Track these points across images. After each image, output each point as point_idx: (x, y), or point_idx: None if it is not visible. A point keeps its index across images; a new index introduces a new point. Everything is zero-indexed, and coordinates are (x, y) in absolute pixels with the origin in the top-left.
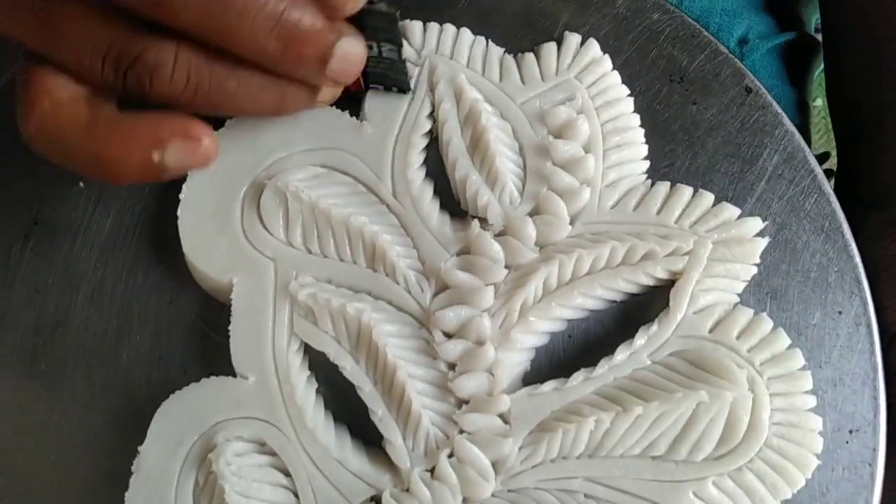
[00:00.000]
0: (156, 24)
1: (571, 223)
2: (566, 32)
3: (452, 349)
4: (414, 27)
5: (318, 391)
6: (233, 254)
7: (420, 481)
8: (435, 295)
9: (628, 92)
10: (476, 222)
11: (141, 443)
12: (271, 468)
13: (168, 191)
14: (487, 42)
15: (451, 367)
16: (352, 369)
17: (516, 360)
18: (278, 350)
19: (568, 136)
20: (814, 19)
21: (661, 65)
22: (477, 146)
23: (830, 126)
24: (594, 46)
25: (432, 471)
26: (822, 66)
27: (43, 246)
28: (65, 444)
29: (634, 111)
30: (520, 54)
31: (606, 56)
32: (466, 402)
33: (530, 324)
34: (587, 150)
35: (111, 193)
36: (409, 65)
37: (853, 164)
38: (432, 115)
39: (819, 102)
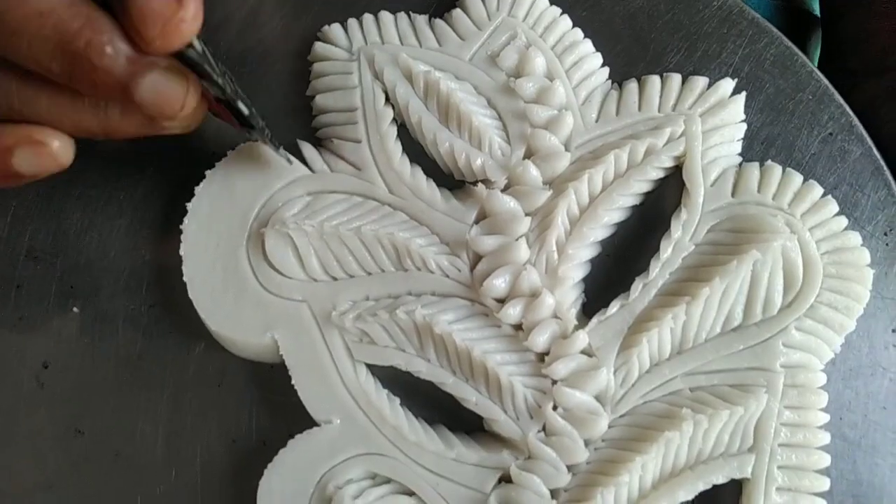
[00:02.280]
0: None
1: (567, 150)
2: None
3: (513, 312)
4: (335, 29)
5: (401, 405)
6: (261, 312)
7: (538, 442)
8: (472, 268)
9: (560, 11)
10: (481, 186)
11: None
12: (393, 495)
13: (175, 275)
14: (409, 15)
15: (518, 327)
16: (427, 369)
17: (573, 296)
18: (349, 383)
19: (527, 73)
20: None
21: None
22: (447, 114)
23: None
24: None
25: (545, 429)
26: (818, 51)
27: (56, 388)
28: None
29: (574, 26)
30: (446, 13)
31: None
32: (547, 354)
33: (571, 256)
34: (550, 78)
35: (112, 309)
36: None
37: (839, 32)
38: (389, 102)
39: None
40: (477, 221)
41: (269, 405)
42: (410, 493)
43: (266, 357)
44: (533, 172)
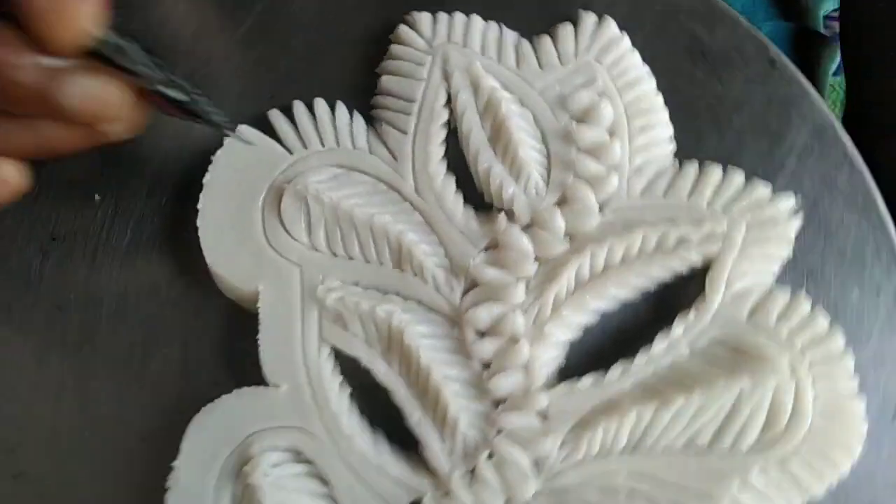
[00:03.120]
0: None
1: (601, 211)
2: (581, 11)
3: (486, 348)
4: (423, 18)
5: (351, 396)
6: (257, 261)
7: (461, 484)
8: (465, 293)
9: (649, 71)
10: (503, 216)
11: (174, 458)
12: (309, 477)
13: (185, 201)
14: (501, 27)
15: (486, 365)
16: (385, 373)
17: (551, 354)
18: (309, 357)
19: (591, 121)
20: (821, 10)
21: (681, 41)
22: (498, 136)
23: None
24: (611, 25)
25: (473, 472)
26: (834, 65)
27: (62, 262)
28: (97, 462)
29: (657, 91)
30: (535, 38)
31: (625, 35)
32: (503, 402)
33: (564, 317)
34: (612, 134)
35: (127, 205)
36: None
37: (863, 91)
38: (449, 105)
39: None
40: (487, 249)
41: (234, 350)
42: (326, 482)
43: (246, 304)
44: (558, 221)
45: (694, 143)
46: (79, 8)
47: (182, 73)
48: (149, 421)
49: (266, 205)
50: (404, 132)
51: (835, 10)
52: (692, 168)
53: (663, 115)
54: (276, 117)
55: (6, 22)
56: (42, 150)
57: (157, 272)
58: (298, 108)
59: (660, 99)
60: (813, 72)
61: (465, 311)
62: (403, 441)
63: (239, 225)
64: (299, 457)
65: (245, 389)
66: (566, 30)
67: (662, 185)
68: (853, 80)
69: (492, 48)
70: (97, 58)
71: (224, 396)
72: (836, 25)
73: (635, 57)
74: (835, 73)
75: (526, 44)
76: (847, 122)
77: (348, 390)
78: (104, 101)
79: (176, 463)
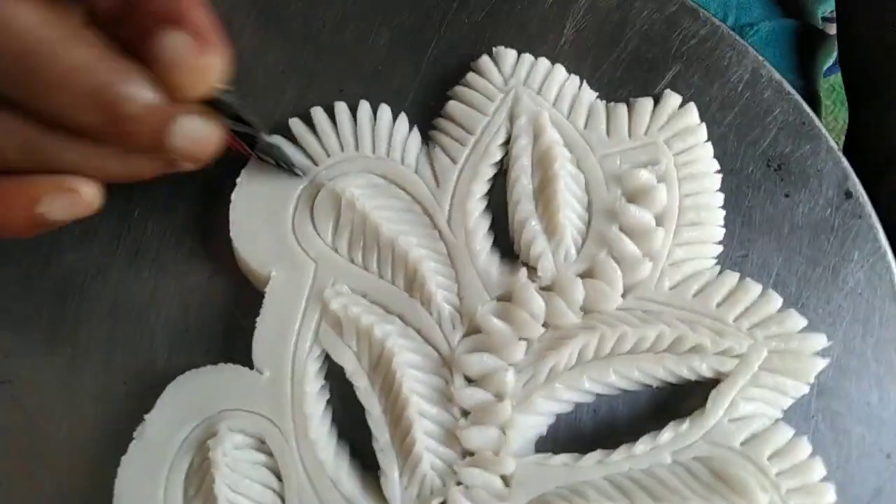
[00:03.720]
0: None
1: (624, 295)
2: (667, 91)
3: (469, 397)
4: (507, 55)
5: (328, 402)
6: (277, 247)
7: None
8: (465, 335)
9: (718, 168)
10: (524, 270)
11: (149, 411)
12: (265, 469)
13: (226, 180)
14: (581, 83)
15: (465, 414)
16: (365, 391)
17: (532, 422)
18: (299, 353)
19: (642, 203)
20: (819, 11)
21: (761, 146)
22: (543, 191)
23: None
24: (692, 112)
25: None
26: (831, 60)
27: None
28: (79, 397)
29: (720, 190)
30: (612, 104)
31: (703, 125)
32: (472, 454)
33: (555, 390)
34: (659, 221)
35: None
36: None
37: (862, 128)
38: (506, 146)
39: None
40: (500, 299)
41: (233, 323)
42: (280, 478)
43: (257, 284)
44: (578, 292)
45: (740, 253)
46: (210, 60)
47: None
48: (136, 369)
49: (302, 196)
50: (454, 161)
51: (832, 11)
52: (730, 278)
53: (718, 215)
54: (341, 110)
55: (132, 61)
56: (128, 177)
57: (184, 227)
58: (362, 108)
59: (719, 198)
60: (811, 68)
61: (460, 355)
62: (367, 461)
63: (271, 208)
64: (262, 446)
65: (230, 366)
66: (645, 104)
67: (695, 287)
68: (854, 111)
69: (565, 102)
70: (210, 103)
71: (209, 367)
72: (831, 26)
73: (707, 150)
74: (829, 71)
75: (601, 107)
76: (847, 154)
77: (327, 396)
78: (209, 143)
79: (147, 416)
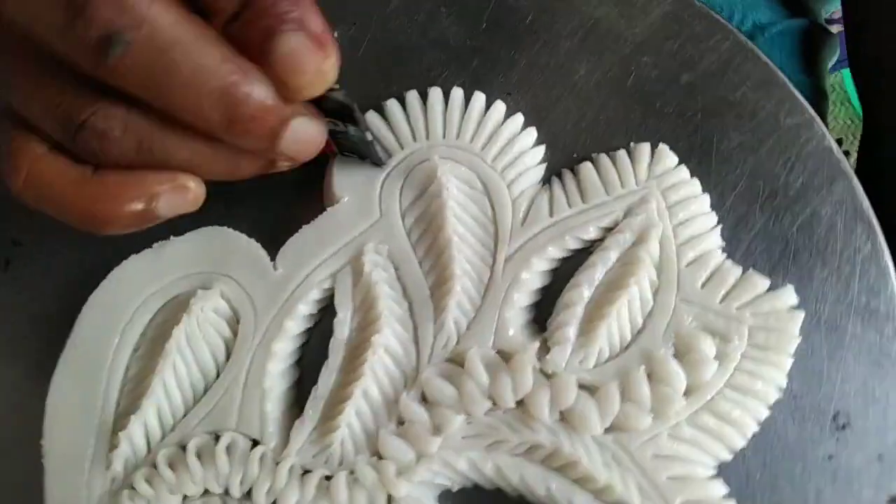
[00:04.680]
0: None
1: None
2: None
3: (412, 411)
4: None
5: (309, 338)
6: (363, 184)
7: (286, 468)
8: (448, 360)
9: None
10: (536, 346)
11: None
12: (223, 343)
13: None
14: (716, 227)
15: (401, 422)
16: (337, 344)
17: (446, 471)
18: (315, 274)
19: (686, 366)
20: (823, 11)
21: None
22: (606, 292)
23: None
24: (785, 298)
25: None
26: (835, 58)
27: None
28: None
29: None
30: (727, 267)
31: (799, 315)
32: (379, 457)
33: (478, 460)
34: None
35: None
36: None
37: (875, 144)
38: (605, 229)
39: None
40: (499, 352)
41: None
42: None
43: (326, 200)
44: (567, 399)
45: None
46: (327, 62)
47: None
48: None
49: (412, 155)
50: (550, 214)
51: (831, 14)
52: None
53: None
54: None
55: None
56: (230, 175)
57: None
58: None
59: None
60: (818, 67)
61: (430, 374)
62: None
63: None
64: (234, 326)
65: (253, 242)
66: (753, 284)
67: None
68: (868, 114)
69: (688, 230)
70: (319, 103)
71: (234, 232)
72: (831, 27)
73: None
74: (831, 69)
75: (716, 260)
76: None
77: (310, 324)
78: (315, 144)
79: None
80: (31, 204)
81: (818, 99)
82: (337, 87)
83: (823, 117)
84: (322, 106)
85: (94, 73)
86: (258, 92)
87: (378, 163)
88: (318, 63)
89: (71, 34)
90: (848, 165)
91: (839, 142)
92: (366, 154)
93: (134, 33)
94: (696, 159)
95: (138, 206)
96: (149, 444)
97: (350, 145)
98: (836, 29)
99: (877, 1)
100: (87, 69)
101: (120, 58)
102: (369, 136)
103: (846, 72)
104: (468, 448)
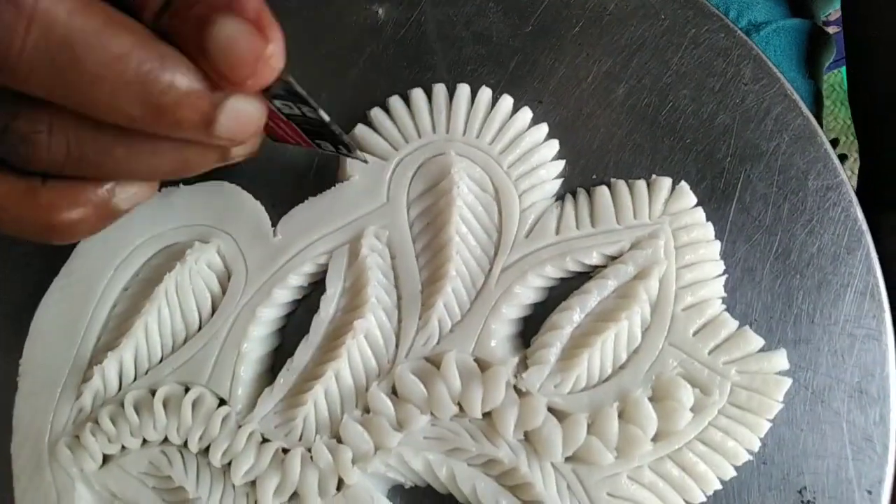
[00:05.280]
0: None
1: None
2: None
3: (379, 402)
4: (682, 190)
5: (297, 308)
6: (376, 169)
7: (247, 432)
8: (426, 358)
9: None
10: (513, 363)
11: None
12: (210, 297)
13: None
14: (722, 276)
15: (366, 410)
16: (320, 320)
17: (399, 467)
18: (312, 249)
19: (660, 410)
20: (822, 13)
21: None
22: (598, 321)
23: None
24: (777, 362)
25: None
26: (831, 59)
27: None
28: None
29: None
30: (724, 321)
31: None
32: (339, 440)
33: (435, 462)
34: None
35: None
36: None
37: (875, 159)
38: (609, 257)
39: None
40: (477, 360)
41: None
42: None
43: (340, 174)
44: (534, 422)
45: None
46: (267, 46)
47: None
48: None
49: (424, 147)
50: (556, 231)
51: (828, 15)
52: None
53: None
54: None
55: (173, 46)
56: (181, 171)
57: None
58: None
59: None
60: (815, 68)
61: (402, 368)
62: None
63: (396, 137)
64: (224, 282)
65: (258, 204)
66: (743, 344)
67: None
68: (866, 154)
69: (694, 272)
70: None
71: (242, 191)
72: (831, 28)
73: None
74: (826, 69)
75: (717, 315)
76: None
77: (299, 296)
78: (254, 123)
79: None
80: None
81: (816, 101)
82: (286, 76)
83: (820, 119)
84: (271, 93)
85: None
86: (180, 78)
87: (349, 151)
88: (258, 49)
89: None
90: (870, 239)
91: (836, 142)
92: (331, 140)
93: (24, 29)
94: (716, 203)
95: (101, 207)
96: (120, 383)
97: (315, 130)
98: (832, 30)
99: (876, 31)
100: None
101: (17, 59)
102: (326, 117)
103: (846, 71)
104: (427, 449)
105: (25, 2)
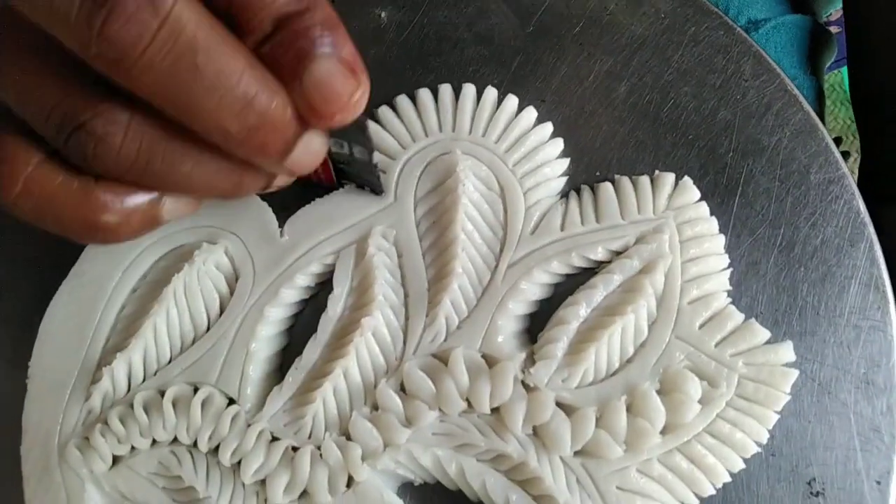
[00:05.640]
0: (117, 88)
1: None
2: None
3: (388, 399)
4: (688, 187)
5: (305, 306)
6: (386, 163)
7: (255, 432)
8: (432, 355)
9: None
10: (520, 358)
11: None
12: (218, 297)
13: None
14: (727, 269)
15: (375, 407)
16: (328, 318)
17: (409, 463)
18: (320, 249)
19: (668, 403)
20: (824, 12)
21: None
22: (603, 315)
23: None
24: (785, 353)
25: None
26: (833, 58)
27: None
28: None
29: None
30: (729, 312)
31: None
32: (349, 438)
33: (444, 458)
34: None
35: None
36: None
37: (877, 154)
38: (614, 252)
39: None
40: (484, 356)
41: None
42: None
43: None
44: (543, 416)
45: None
46: (357, 89)
47: None
48: None
49: (435, 145)
50: (561, 228)
51: (829, 16)
52: None
53: None
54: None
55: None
56: (232, 193)
57: None
58: (528, 111)
59: None
60: (817, 66)
61: (410, 365)
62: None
63: (405, 134)
64: (232, 283)
65: (265, 205)
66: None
67: None
68: (867, 150)
69: (699, 266)
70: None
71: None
72: (832, 28)
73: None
74: (827, 69)
75: (724, 309)
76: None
77: (305, 296)
78: (318, 160)
79: None
80: (26, 217)
81: (818, 99)
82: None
83: (822, 116)
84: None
85: (108, 70)
86: (279, 104)
87: (377, 190)
88: (350, 91)
89: (87, 28)
90: (873, 231)
91: (838, 140)
92: (365, 181)
93: (156, 29)
94: (719, 198)
95: (148, 212)
96: (129, 384)
97: (350, 171)
98: (833, 30)
99: (878, 31)
100: (99, 65)
101: (139, 56)
102: (375, 159)
103: (846, 71)
104: (436, 445)
105: (164, 2)
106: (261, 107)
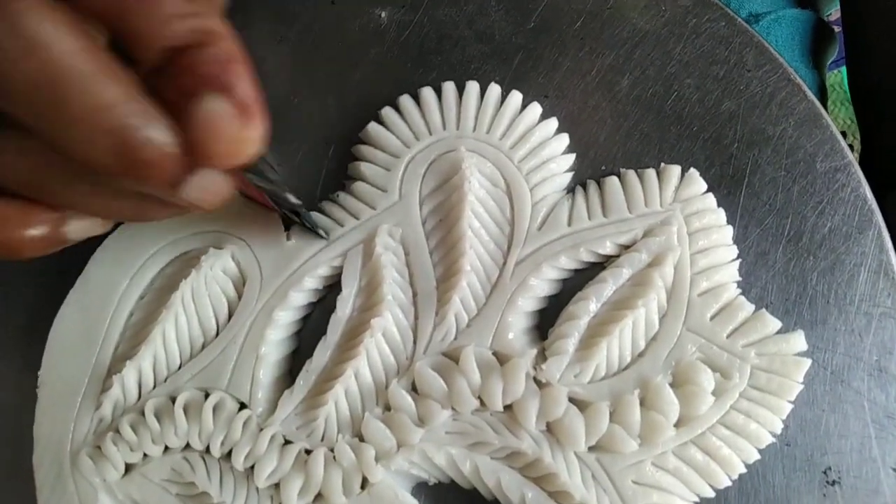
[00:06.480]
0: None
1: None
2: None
3: (400, 398)
4: (692, 177)
5: (313, 309)
6: (390, 163)
7: (268, 435)
8: (443, 353)
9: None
10: (532, 354)
11: None
12: (227, 302)
13: None
14: (735, 261)
15: (387, 408)
16: (337, 320)
17: (424, 463)
18: (327, 252)
19: (681, 395)
20: (825, 11)
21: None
22: (613, 310)
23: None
24: (797, 343)
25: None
26: (835, 54)
27: None
28: None
29: None
30: (739, 303)
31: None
32: (361, 439)
33: (457, 456)
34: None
35: None
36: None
37: (875, 146)
38: (621, 246)
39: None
40: (495, 353)
41: None
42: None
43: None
44: (556, 412)
45: None
46: (249, 134)
47: None
48: None
49: (438, 142)
50: (568, 223)
51: (829, 15)
52: None
53: None
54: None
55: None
56: (136, 218)
57: None
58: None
59: None
60: (820, 61)
61: (421, 365)
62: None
63: (407, 135)
64: (240, 288)
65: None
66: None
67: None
68: (866, 133)
69: (707, 258)
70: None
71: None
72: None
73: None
74: (829, 67)
75: (735, 300)
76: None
77: (314, 299)
78: (220, 195)
79: None
80: None
81: (820, 95)
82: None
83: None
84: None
85: None
86: (158, 137)
87: (319, 233)
88: (236, 131)
89: None
90: (881, 218)
91: (843, 135)
92: (304, 220)
93: (22, 58)
94: (726, 189)
95: (49, 230)
96: (140, 391)
97: (285, 208)
98: (836, 29)
99: (876, 26)
100: None
101: (5, 81)
102: (296, 201)
103: (846, 71)
104: (450, 444)
105: (28, 29)
106: (136, 140)
